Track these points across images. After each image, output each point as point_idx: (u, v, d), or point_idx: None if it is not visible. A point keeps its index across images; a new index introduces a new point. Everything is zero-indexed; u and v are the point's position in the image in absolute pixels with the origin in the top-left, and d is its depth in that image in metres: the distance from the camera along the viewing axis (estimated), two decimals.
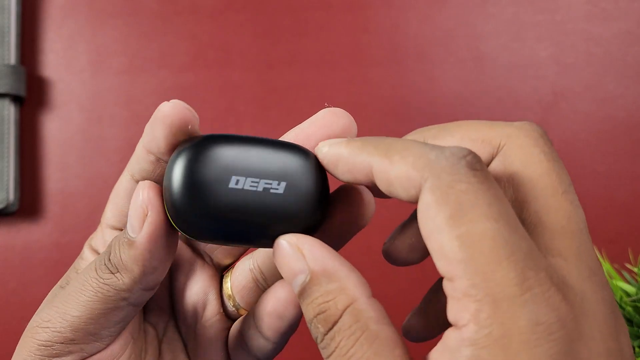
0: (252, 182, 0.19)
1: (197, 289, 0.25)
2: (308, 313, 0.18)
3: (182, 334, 0.25)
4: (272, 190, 0.19)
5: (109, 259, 0.20)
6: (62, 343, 0.21)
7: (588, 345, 0.15)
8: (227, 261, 0.26)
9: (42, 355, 0.21)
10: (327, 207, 0.21)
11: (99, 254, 0.24)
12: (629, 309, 0.38)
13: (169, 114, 0.20)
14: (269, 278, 0.24)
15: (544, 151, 0.18)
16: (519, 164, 0.18)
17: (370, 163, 0.18)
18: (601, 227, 0.50)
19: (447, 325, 0.17)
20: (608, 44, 0.53)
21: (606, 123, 0.52)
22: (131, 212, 0.20)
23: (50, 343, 0.21)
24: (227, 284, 0.25)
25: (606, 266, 0.41)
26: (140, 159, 0.22)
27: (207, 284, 0.25)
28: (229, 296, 0.25)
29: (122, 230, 0.23)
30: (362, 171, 0.19)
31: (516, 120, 0.20)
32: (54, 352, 0.21)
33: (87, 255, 0.24)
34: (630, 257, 0.49)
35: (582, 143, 0.52)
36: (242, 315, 0.25)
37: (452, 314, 0.16)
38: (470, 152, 0.17)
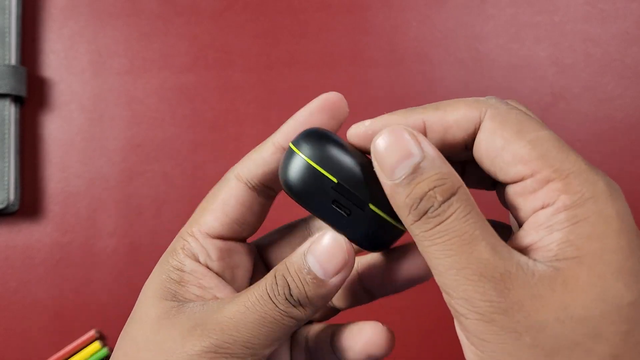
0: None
1: None
2: (420, 188, 0.20)
3: None
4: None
5: (291, 294, 0.22)
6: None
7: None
8: None
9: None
10: None
11: (199, 261, 0.25)
12: None
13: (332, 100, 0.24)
14: None
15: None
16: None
17: (422, 119, 0.22)
18: None
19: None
20: (606, 44, 0.53)
21: (605, 123, 0.52)
22: (323, 257, 0.22)
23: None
24: None
25: None
26: (265, 152, 0.24)
27: None
28: None
29: (228, 239, 0.25)
30: (413, 129, 0.22)
31: None
32: None
33: (187, 263, 0.24)
34: None
35: (580, 143, 0.52)
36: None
37: (534, 203, 0.20)
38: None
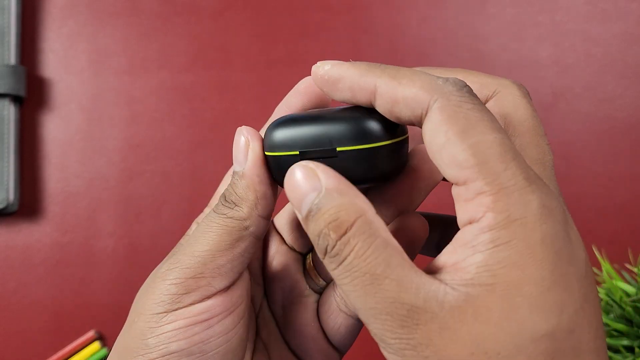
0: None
1: (283, 270, 0.27)
2: (318, 225, 0.19)
3: (273, 312, 0.28)
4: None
5: (225, 199, 0.23)
6: (192, 278, 0.22)
7: (573, 229, 0.19)
8: (306, 249, 0.28)
9: (172, 294, 0.22)
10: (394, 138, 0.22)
11: None
12: (629, 309, 0.38)
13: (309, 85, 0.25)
14: None
15: (529, 103, 0.23)
16: (511, 107, 0.22)
17: (375, 83, 0.21)
18: (601, 228, 0.50)
19: None
20: (607, 44, 0.53)
21: (605, 123, 0.52)
22: (235, 152, 0.23)
23: (180, 280, 0.22)
24: (309, 264, 0.28)
25: (606, 266, 0.41)
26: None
27: (291, 266, 0.27)
28: (314, 273, 0.27)
29: None
30: (365, 90, 0.21)
31: None
32: (184, 289, 0.22)
33: None
34: (630, 257, 0.49)
35: (581, 143, 0.52)
36: (326, 286, 0.27)
37: (465, 214, 0.19)
38: (467, 85, 0.20)
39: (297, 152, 0.22)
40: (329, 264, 0.19)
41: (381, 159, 0.22)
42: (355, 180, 0.22)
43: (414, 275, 0.18)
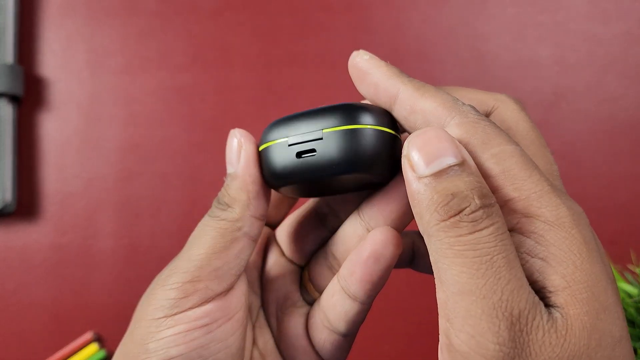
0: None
1: (279, 280, 0.27)
2: (457, 185, 0.18)
3: (268, 322, 0.28)
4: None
5: (219, 202, 0.24)
6: (189, 282, 0.23)
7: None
8: (303, 262, 0.28)
9: (171, 299, 0.23)
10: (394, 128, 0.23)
11: None
12: (631, 310, 0.37)
13: None
14: (341, 260, 0.26)
15: (527, 116, 0.23)
16: (511, 122, 0.23)
17: (400, 89, 0.22)
18: (603, 228, 0.50)
19: None
20: (609, 44, 0.53)
21: (607, 123, 0.52)
22: (228, 154, 0.24)
23: (178, 285, 0.23)
24: (306, 276, 0.28)
25: None
26: None
27: (287, 277, 0.27)
28: (310, 286, 0.27)
29: None
30: (387, 92, 0.22)
31: None
32: (182, 293, 0.23)
33: None
34: (632, 258, 0.49)
35: (583, 143, 0.52)
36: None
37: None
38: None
39: (286, 137, 0.23)
40: (451, 229, 0.17)
41: (365, 143, 0.22)
42: (341, 167, 0.22)
43: (526, 280, 0.17)
